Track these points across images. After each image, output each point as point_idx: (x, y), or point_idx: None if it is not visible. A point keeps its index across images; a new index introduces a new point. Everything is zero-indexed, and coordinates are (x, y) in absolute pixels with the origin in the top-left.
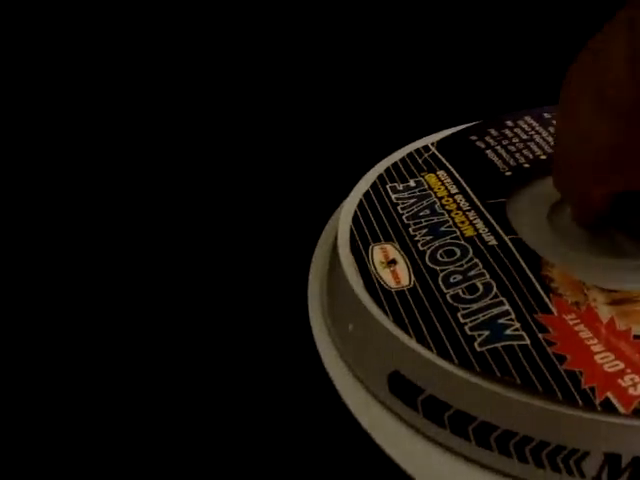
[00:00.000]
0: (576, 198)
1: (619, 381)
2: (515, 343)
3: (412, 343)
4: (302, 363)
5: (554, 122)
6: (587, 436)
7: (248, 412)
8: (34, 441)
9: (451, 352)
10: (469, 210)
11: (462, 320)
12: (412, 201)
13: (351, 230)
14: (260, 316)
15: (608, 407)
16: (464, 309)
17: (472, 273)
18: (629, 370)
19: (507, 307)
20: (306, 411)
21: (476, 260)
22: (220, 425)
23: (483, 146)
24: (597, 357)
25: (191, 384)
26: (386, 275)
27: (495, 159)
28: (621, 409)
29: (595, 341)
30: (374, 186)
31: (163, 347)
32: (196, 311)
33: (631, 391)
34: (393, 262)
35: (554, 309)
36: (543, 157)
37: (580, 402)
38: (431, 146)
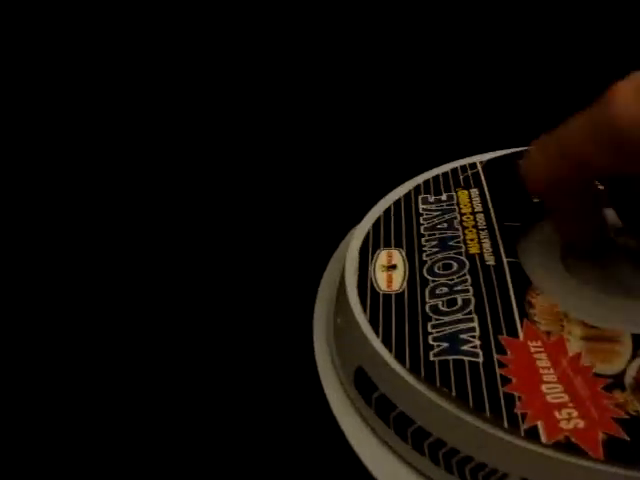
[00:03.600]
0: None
1: (555, 413)
2: (467, 359)
3: (376, 342)
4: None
5: None
6: (507, 458)
7: (241, 414)
8: (34, 441)
9: (407, 357)
10: (483, 229)
11: (430, 330)
12: (436, 214)
13: (368, 232)
14: (265, 311)
15: (532, 435)
16: (436, 320)
17: (458, 288)
18: (571, 404)
19: (474, 324)
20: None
21: (468, 276)
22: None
23: None
24: (544, 386)
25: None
26: (381, 278)
27: None
28: (543, 438)
29: (550, 371)
30: (407, 195)
31: (161, 374)
32: (199, 317)
33: (563, 424)
34: (393, 267)
35: (521, 334)
36: None
37: (506, 424)
38: (479, 164)
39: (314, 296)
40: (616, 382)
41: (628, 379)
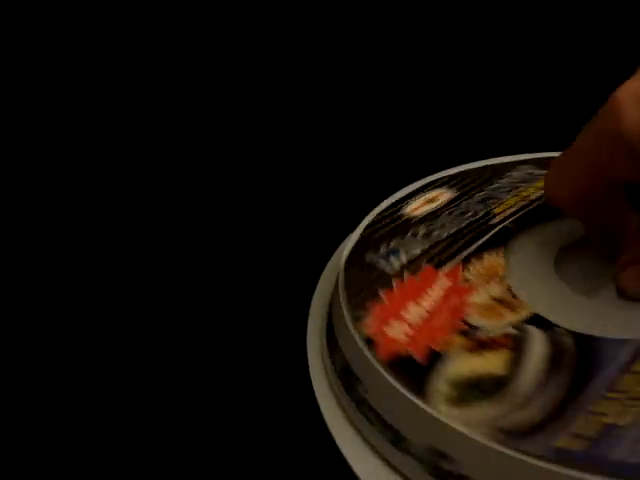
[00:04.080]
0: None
1: (393, 320)
2: (383, 267)
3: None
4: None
5: None
6: (342, 333)
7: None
8: (34, 441)
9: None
10: (525, 200)
11: (391, 243)
12: (512, 180)
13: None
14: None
15: (358, 320)
16: (406, 237)
17: (446, 226)
18: (414, 325)
19: (418, 250)
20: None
21: (463, 222)
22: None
23: None
24: (412, 304)
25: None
26: (416, 204)
27: None
28: (363, 328)
29: (430, 301)
30: (510, 163)
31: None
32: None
33: (387, 329)
34: (432, 201)
35: (446, 268)
36: None
37: (352, 310)
38: None
39: (309, 302)
40: (471, 332)
41: (482, 335)
